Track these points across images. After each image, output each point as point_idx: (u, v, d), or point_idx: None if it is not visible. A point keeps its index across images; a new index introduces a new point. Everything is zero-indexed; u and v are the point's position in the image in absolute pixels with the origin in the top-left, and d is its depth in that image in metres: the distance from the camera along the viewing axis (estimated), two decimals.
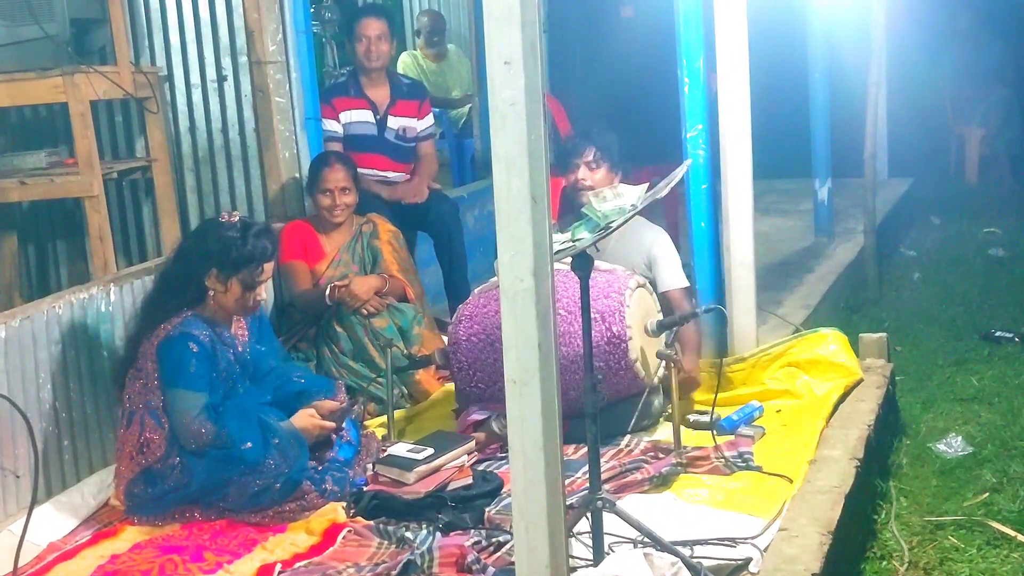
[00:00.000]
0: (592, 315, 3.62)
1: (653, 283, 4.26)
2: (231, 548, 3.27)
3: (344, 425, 3.80)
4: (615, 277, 3.94)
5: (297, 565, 3.16)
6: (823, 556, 2.93)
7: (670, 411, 3.83)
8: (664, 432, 3.92)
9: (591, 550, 2.97)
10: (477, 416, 3.94)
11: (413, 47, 8.10)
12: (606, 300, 3.83)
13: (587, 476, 3.04)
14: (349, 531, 3.32)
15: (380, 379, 4.35)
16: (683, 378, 3.99)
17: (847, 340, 4.31)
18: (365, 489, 3.57)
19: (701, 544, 3.03)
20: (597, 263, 3.79)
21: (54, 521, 3.49)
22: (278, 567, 3.14)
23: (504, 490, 3.44)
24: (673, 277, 4.29)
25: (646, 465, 3.57)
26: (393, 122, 5.30)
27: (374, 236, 4.78)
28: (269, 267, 3.70)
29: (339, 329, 4.49)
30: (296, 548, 3.26)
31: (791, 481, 3.43)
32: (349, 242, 4.74)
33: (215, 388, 3.54)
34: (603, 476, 3.28)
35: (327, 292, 4.50)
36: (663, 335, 3.84)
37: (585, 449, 3.16)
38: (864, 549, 3.47)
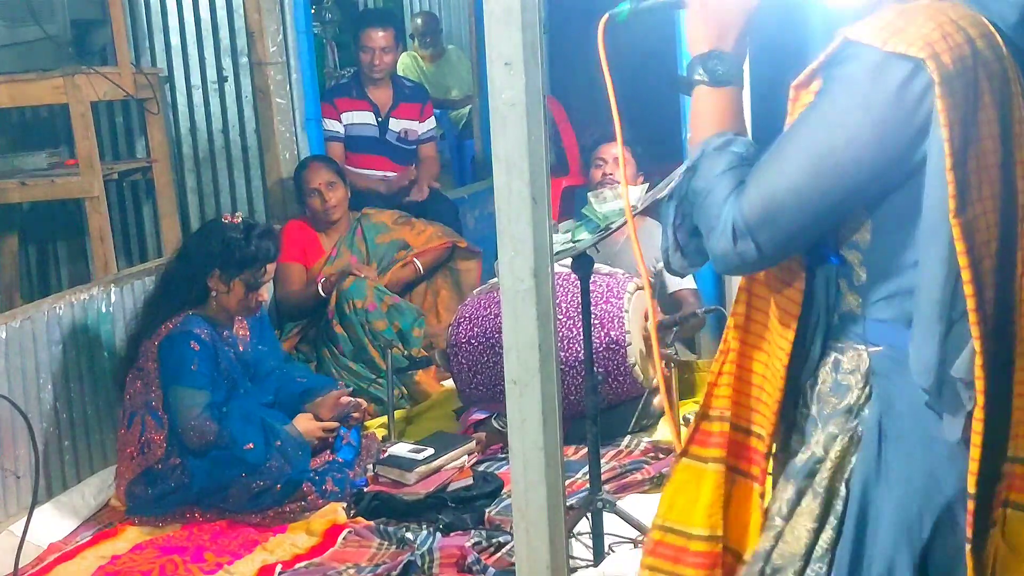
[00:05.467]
0: (592, 320, 3.63)
1: (661, 284, 4.26)
2: (231, 549, 3.27)
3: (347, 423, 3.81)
4: (616, 281, 3.94)
5: (298, 566, 3.16)
6: None
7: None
8: (664, 432, 3.92)
9: (591, 550, 2.97)
10: (478, 416, 3.95)
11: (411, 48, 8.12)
12: (606, 305, 3.83)
13: (587, 476, 3.04)
14: (349, 532, 3.32)
15: (380, 380, 4.35)
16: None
17: None
18: (365, 490, 3.57)
19: None
20: (599, 266, 3.79)
21: (55, 522, 3.49)
22: (278, 568, 3.14)
23: (504, 491, 3.44)
24: (682, 278, 4.29)
25: (646, 465, 3.57)
26: (395, 124, 5.31)
27: (377, 230, 4.79)
28: (272, 268, 3.71)
29: (339, 330, 4.49)
30: (296, 549, 3.26)
31: None
32: (347, 236, 4.75)
33: (217, 387, 3.55)
34: (603, 476, 3.28)
35: (320, 285, 4.54)
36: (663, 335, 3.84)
37: (585, 450, 3.16)
38: None
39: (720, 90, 1.58)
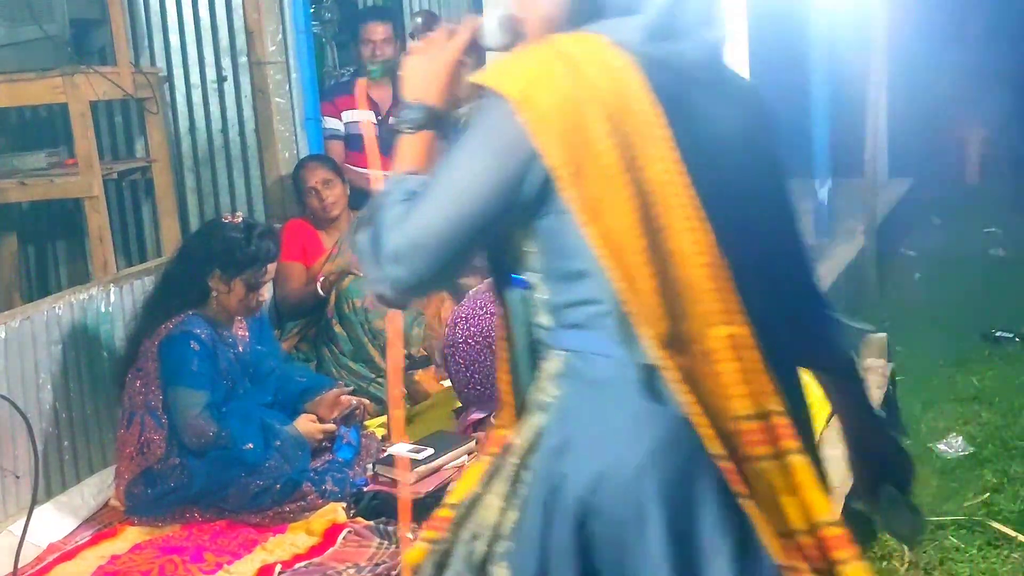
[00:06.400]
0: None
1: None
2: (231, 549, 3.27)
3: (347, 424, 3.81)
4: None
5: (297, 566, 3.16)
6: None
7: None
8: None
9: None
10: (477, 415, 3.95)
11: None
12: None
13: None
14: (349, 531, 3.32)
15: (380, 379, 4.35)
16: None
17: None
18: (365, 489, 3.57)
19: None
20: None
21: (54, 522, 3.49)
22: (278, 567, 3.14)
23: None
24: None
25: None
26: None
27: None
28: (272, 268, 3.71)
29: (339, 330, 4.49)
30: (296, 549, 3.26)
31: None
32: (347, 234, 4.75)
33: (216, 387, 3.55)
34: None
35: (319, 284, 4.54)
36: None
37: None
38: (864, 549, 3.47)
39: (414, 136, 1.76)
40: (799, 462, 1.61)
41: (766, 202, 1.79)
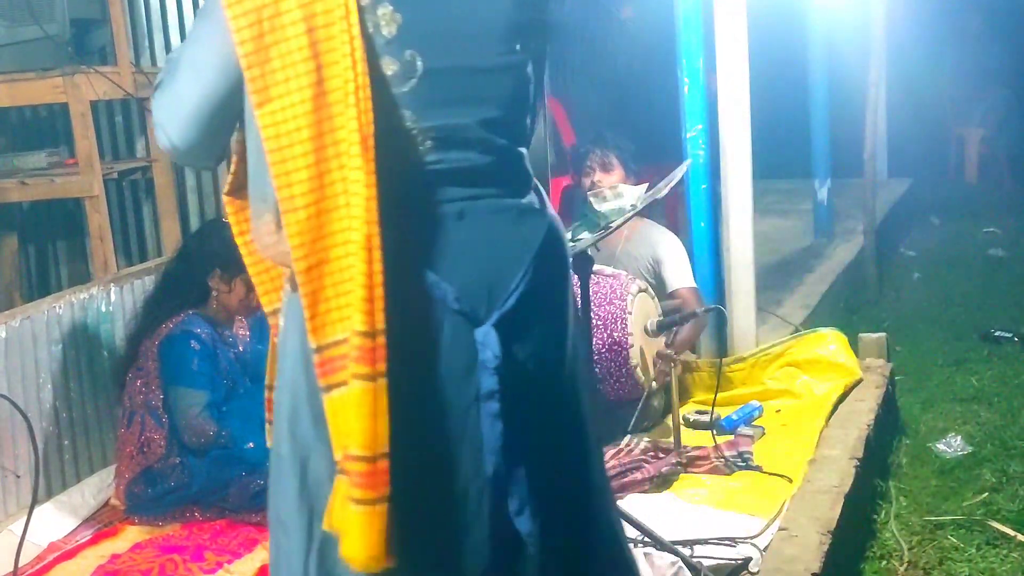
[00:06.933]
0: (594, 321, 3.62)
1: (661, 284, 4.26)
2: (231, 548, 3.27)
3: None
4: (619, 283, 3.93)
5: None
6: (823, 556, 2.94)
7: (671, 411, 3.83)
8: (664, 432, 3.92)
9: None
10: None
11: None
12: (608, 307, 3.83)
13: None
14: None
15: None
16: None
17: (846, 340, 4.31)
18: None
19: (701, 544, 3.03)
20: (601, 267, 3.78)
21: (54, 521, 3.49)
22: None
23: None
24: (680, 276, 4.29)
25: (646, 465, 3.57)
26: None
27: None
28: None
29: None
30: None
31: (791, 481, 3.44)
32: None
33: (217, 387, 3.55)
34: None
35: None
36: (663, 335, 3.84)
37: None
38: (864, 549, 3.48)
39: None
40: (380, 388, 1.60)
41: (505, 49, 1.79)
